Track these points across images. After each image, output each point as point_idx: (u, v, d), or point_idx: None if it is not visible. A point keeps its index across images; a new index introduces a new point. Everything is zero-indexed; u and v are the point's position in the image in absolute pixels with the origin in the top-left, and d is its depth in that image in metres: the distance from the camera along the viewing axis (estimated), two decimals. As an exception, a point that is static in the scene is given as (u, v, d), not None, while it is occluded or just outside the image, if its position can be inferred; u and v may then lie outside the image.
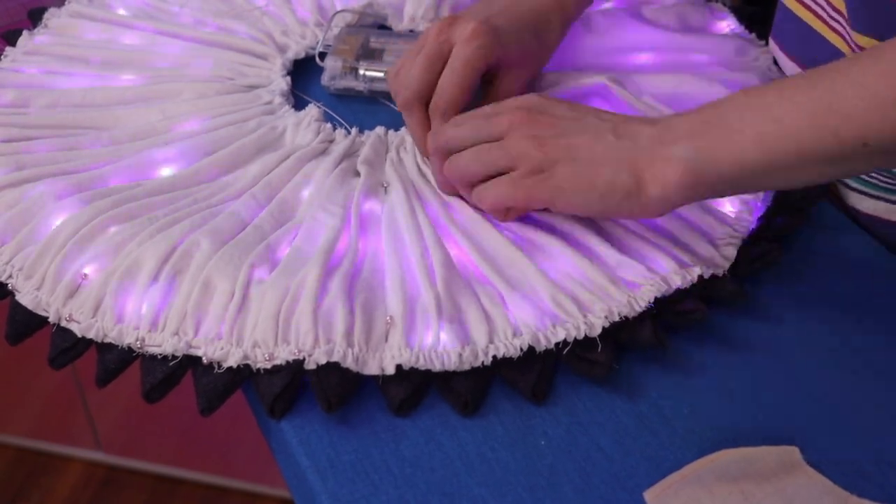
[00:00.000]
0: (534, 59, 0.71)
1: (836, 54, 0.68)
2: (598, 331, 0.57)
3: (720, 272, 0.62)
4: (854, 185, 0.72)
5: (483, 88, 0.69)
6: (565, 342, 0.57)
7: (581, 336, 0.57)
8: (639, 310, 0.58)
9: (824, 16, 0.70)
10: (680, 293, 0.60)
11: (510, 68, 0.68)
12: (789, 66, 0.74)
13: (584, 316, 0.58)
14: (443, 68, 0.66)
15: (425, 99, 0.66)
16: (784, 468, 0.53)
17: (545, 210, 0.63)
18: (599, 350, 0.57)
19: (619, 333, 0.58)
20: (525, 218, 0.64)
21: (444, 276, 0.59)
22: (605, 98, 0.72)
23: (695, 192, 0.56)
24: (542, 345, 0.57)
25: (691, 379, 0.58)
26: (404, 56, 0.69)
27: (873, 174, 0.70)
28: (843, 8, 0.67)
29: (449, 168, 0.62)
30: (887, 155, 0.53)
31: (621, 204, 0.57)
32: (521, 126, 0.59)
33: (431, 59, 0.66)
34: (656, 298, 0.59)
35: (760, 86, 0.56)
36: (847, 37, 0.67)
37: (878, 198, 0.71)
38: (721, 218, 0.65)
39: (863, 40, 0.64)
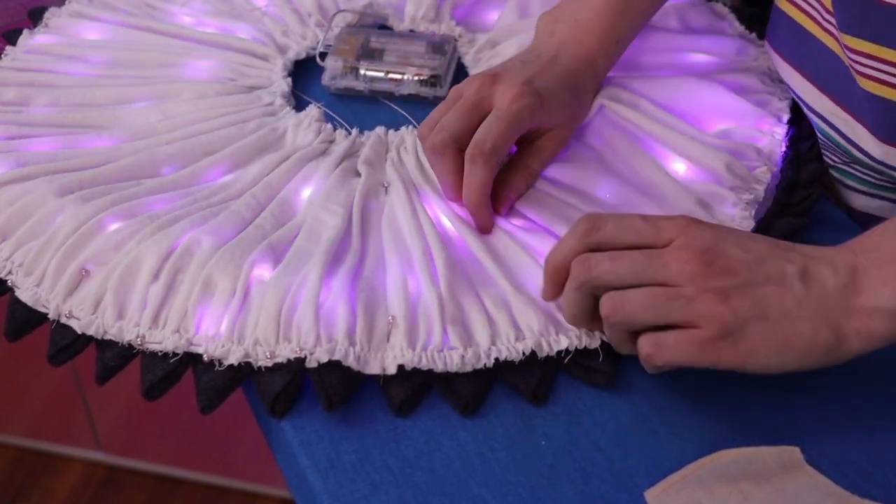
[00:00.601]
0: (573, 119, 0.69)
1: (830, 56, 0.68)
2: (599, 342, 0.57)
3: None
4: (849, 182, 0.72)
5: (522, 148, 0.67)
6: (567, 350, 0.57)
7: (583, 345, 0.57)
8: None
9: (817, 17, 0.69)
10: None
11: (552, 129, 0.67)
12: (784, 67, 0.74)
13: None
14: (479, 121, 0.64)
15: (460, 144, 0.63)
16: (784, 468, 0.53)
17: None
18: (601, 359, 0.57)
19: None
20: (526, 221, 0.64)
21: (447, 277, 0.59)
22: (605, 118, 0.72)
23: None
24: (545, 351, 0.57)
25: (691, 379, 0.58)
26: (437, 109, 0.66)
27: (867, 172, 0.70)
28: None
29: (613, 307, 0.53)
30: None
31: (819, 361, 0.52)
32: (695, 275, 0.52)
33: (470, 109, 0.64)
34: None
35: None
36: (838, 38, 0.67)
37: (872, 195, 0.71)
38: (721, 219, 0.65)
39: (851, 41, 0.64)
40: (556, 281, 0.57)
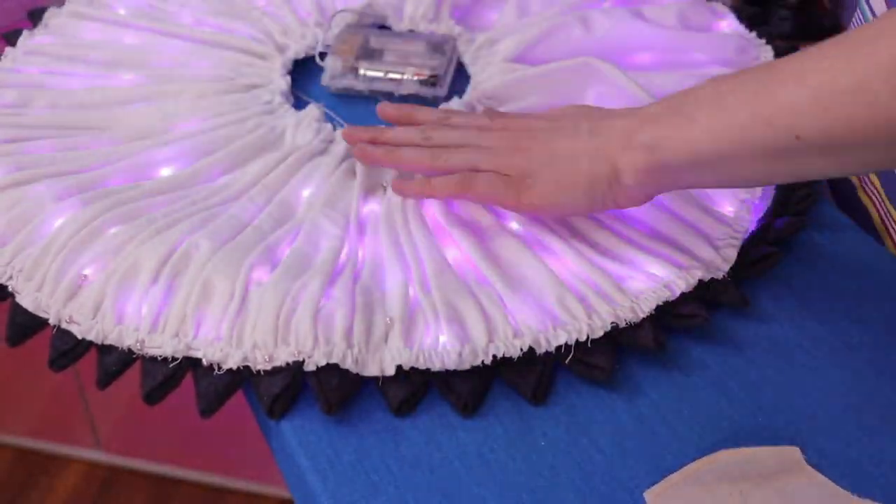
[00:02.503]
0: None
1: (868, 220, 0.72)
2: (600, 334, 0.57)
3: (720, 275, 0.62)
4: None
5: None
6: (566, 345, 0.57)
7: (583, 339, 0.57)
8: (642, 315, 0.58)
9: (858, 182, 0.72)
10: (681, 296, 0.60)
11: None
12: None
13: (589, 317, 0.58)
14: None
15: None
16: (784, 468, 0.53)
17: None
18: (600, 355, 0.57)
19: (620, 337, 0.58)
20: (526, 217, 0.64)
21: (437, 284, 0.59)
22: (591, 76, 0.72)
23: (660, 179, 0.57)
24: (543, 347, 0.57)
25: (691, 379, 0.58)
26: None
27: None
28: (877, 183, 0.69)
29: (426, 137, 0.64)
30: (823, 155, 0.52)
31: (605, 195, 0.58)
32: (505, 138, 0.62)
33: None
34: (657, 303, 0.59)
35: (728, 75, 0.56)
36: (880, 207, 0.69)
37: None
38: (719, 218, 0.65)
39: None
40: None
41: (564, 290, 0.59)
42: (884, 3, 0.70)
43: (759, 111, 0.52)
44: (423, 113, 0.68)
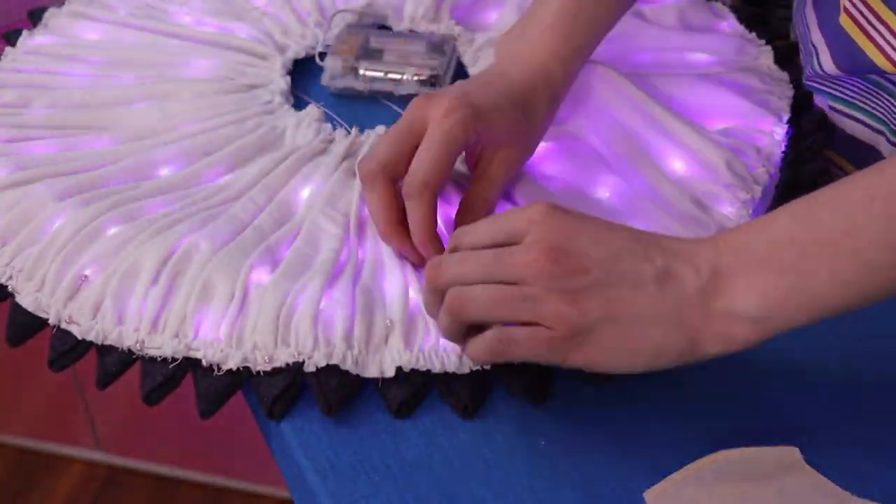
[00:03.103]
0: (522, 137, 0.64)
1: None
2: None
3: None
4: (838, 106, 0.73)
5: (474, 179, 0.63)
6: None
7: None
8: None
9: None
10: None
11: (497, 148, 0.62)
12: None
13: None
14: (416, 144, 0.60)
15: (390, 173, 0.60)
16: (784, 468, 0.53)
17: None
18: None
19: None
20: None
21: None
22: (603, 116, 0.72)
23: (763, 340, 0.51)
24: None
25: (691, 379, 0.58)
26: (378, 138, 0.64)
27: (857, 94, 0.71)
28: None
29: (454, 304, 0.52)
30: None
31: (672, 363, 0.51)
32: (543, 275, 0.49)
33: (401, 133, 0.60)
34: None
35: (802, 202, 0.50)
36: None
37: (857, 119, 0.72)
38: (719, 219, 0.65)
39: None
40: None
41: None
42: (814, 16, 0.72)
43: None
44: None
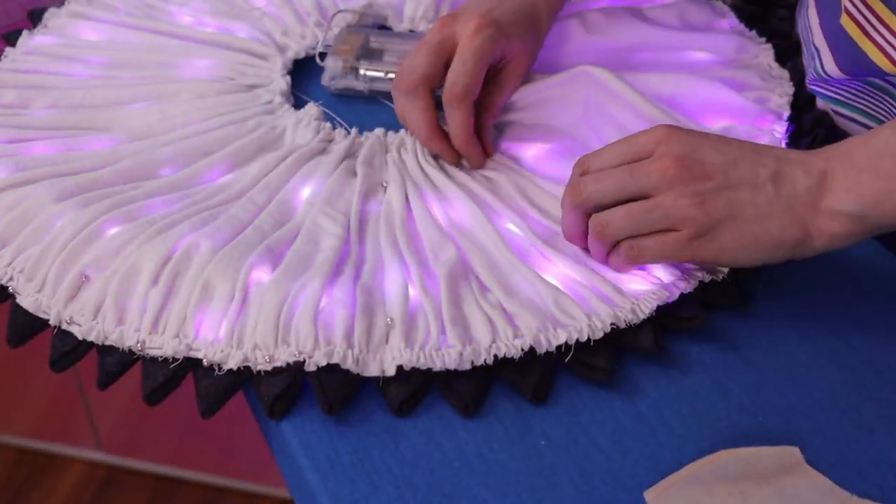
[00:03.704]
0: (531, 50, 0.71)
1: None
2: (600, 335, 0.57)
3: (720, 276, 0.62)
4: (841, 110, 0.74)
5: (486, 84, 0.69)
6: (566, 345, 0.57)
7: (584, 339, 0.57)
8: (642, 317, 0.58)
9: None
10: (681, 297, 0.60)
11: (512, 60, 0.69)
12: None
13: (589, 319, 0.58)
14: (448, 58, 0.67)
15: (431, 84, 0.67)
16: (784, 468, 0.53)
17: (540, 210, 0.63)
18: (601, 355, 0.57)
19: (620, 339, 0.58)
20: (528, 220, 0.64)
21: (446, 279, 0.59)
22: (588, 85, 0.72)
23: (860, 238, 0.57)
24: (544, 346, 0.57)
25: (691, 379, 0.58)
26: (405, 58, 0.69)
27: (859, 97, 0.72)
28: None
29: (597, 228, 0.59)
30: None
31: (786, 256, 0.57)
32: (674, 181, 0.56)
33: (435, 48, 0.67)
34: (657, 305, 0.59)
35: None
36: None
37: (860, 123, 0.73)
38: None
39: None
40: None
41: (559, 293, 0.59)
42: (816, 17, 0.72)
43: None
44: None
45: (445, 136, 0.68)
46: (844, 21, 0.69)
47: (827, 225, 0.56)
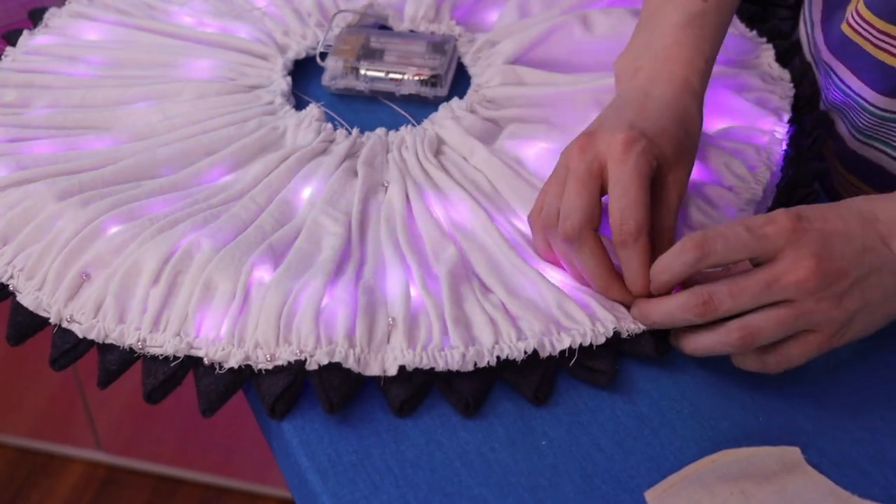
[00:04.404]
0: (687, 155, 0.63)
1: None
2: (602, 340, 0.57)
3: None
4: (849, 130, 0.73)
5: (652, 208, 0.59)
6: (570, 349, 0.57)
7: (587, 344, 0.57)
8: (643, 328, 0.58)
9: None
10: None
11: (668, 172, 0.60)
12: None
13: (592, 324, 0.58)
14: (599, 189, 0.58)
15: (593, 224, 0.58)
16: (785, 468, 0.53)
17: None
18: (602, 359, 0.57)
19: (621, 345, 0.58)
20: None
21: (448, 280, 0.59)
22: (596, 99, 0.72)
23: None
24: (547, 350, 0.57)
25: (692, 379, 0.58)
26: (541, 194, 0.61)
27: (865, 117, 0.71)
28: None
29: (743, 340, 0.55)
30: None
31: None
32: (815, 290, 0.53)
33: (585, 181, 0.58)
34: None
35: None
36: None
37: (864, 142, 0.72)
38: (721, 220, 0.65)
39: (877, 22, 0.67)
40: (660, 293, 0.57)
41: (563, 296, 0.59)
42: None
43: None
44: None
45: (621, 279, 0.59)
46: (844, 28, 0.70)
47: None
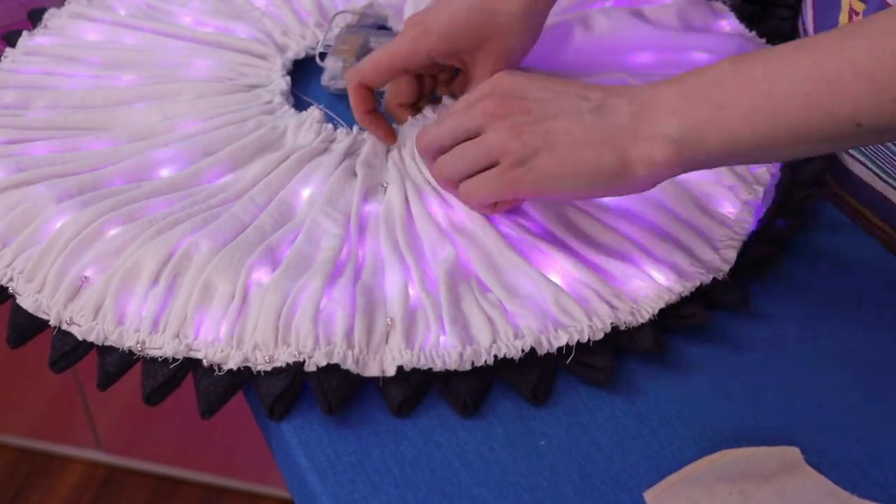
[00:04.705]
0: (491, 33, 0.66)
1: None
2: (601, 336, 0.57)
3: (721, 275, 0.62)
4: (853, 153, 0.73)
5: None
6: (567, 346, 0.57)
7: (584, 340, 0.57)
8: (642, 320, 0.58)
9: None
10: (681, 298, 0.60)
11: (470, 51, 0.66)
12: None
13: (590, 320, 0.58)
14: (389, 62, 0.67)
15: (366, 81, 0.68)
16: (784, 468, 0.53)
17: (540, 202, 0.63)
18: (600, 356, 0.57)
19: (620, 339, 0.58)
20: (528, 221, 0.64)
21: (445, 280, 0.59)
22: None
23: (683, 168, 0.55)
24: (544, 348, 0.57)
25: (691, 379, 0.58)
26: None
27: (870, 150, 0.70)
28: None
29: (437, 172, 0.62)
30: (881, 134, 0.52)
31: (608, 185, 0.56)
32: (495, 116, 0.58)
33: (390, 50, 0.67)
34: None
35: (746, 55, 0.54)
36: None
37: (874, 172, 0.71)
38: (721, 220, 0.65)
39: None
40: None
41: (561, 293, 0.59)
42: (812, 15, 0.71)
43: (814, 101, 0.51)
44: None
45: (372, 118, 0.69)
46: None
47: (646, 150, 0.54)
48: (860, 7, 0.67)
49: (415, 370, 0.55)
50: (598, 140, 0.56)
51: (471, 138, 0.59)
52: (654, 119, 0.55)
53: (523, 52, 0.69)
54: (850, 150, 0.72)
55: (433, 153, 0.63)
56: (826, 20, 0.73)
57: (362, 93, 0.68)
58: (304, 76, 0.79)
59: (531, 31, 0.68)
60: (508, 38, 0.67)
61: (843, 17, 0.69)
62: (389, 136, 0.70)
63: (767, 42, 0.81)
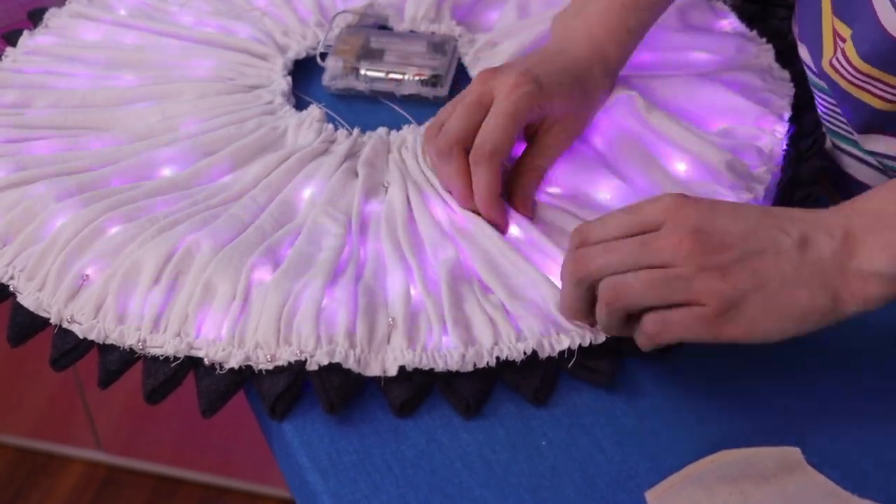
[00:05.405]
0: (580, 110, 0.68)
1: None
2: (602, 339, 0.57)
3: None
4: (855, 151, 0.72)
5: (529, 146, 0.67)
6: (569, 350, 0.57)
7: (586, 344, 0.57)
8: None
9: None
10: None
11: (555, 121, 0.66)
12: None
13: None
14: (483, 116, 0.63)
15: (465, 144, 0.63)
16: (784, 468, 0.53)
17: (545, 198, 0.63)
18: (602, 359, 0.57)
19: (622, 344, 0.58)
20: (529, 223, 0.64)
21: (447, 280, 0.59)
22: (606, 117, 0.72)
23: (893, 298, 0.53)
24: (546, 351, 0.57)
25: (691, 379, 0.58)
26: (443, 109, 0.67)
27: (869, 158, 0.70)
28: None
29: (611, 294, 0.54)
30: None
31: (815, 325, 0.53)
32: (692, 254, 0.51)
33: (471, 108, 0.64)
34: None
35: None
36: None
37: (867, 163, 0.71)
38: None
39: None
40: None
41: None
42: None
43: None
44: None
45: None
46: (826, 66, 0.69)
47: (860, 288, 0.52)
48: (846, 32, 0.66)
49: (417, 370, 0.56)
50: (807, 278, 0.52)
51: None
52: (863, 255, 0.52)
53: (601, 106, 0.70)
54: (851, 151, 0.72)
55: (593, 283, 0.55)
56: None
57: (496, 168, 0.62)
58: (304, 76, 0.79)
59: (595, 114, 0.70)
60: (588, 113, 0.69)
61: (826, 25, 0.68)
62: (507, 227, 0.64)
63: (768, 42, 0.81)
